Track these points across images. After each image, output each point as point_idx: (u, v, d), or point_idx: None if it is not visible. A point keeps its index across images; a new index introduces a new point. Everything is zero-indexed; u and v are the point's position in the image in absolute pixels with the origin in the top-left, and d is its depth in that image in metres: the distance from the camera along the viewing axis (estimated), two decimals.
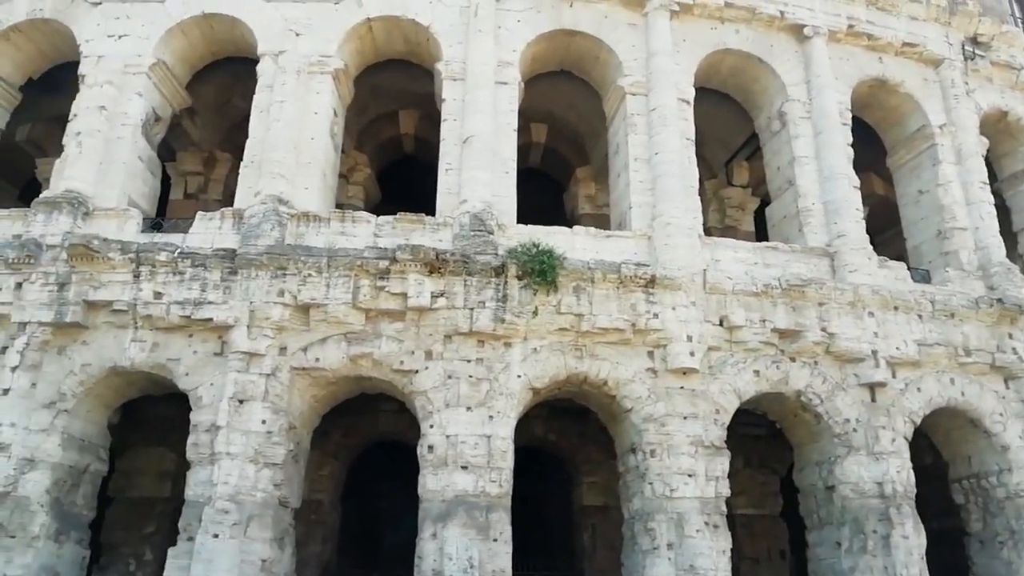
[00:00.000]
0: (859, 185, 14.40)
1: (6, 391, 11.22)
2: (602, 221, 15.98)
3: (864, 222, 14.09)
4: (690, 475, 11.70)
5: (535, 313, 12.16)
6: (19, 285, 11.80)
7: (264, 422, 11.34)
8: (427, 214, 12.85)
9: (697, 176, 13.99)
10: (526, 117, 14.87)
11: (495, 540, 10.99)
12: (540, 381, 12.07)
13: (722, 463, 11.94)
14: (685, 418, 12.02)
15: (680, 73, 14.37)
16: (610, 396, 12.33)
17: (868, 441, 12.53)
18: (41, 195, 12.79)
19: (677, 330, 12.31)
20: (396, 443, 15.79)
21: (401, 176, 18.59)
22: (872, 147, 16.16)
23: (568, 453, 16.17)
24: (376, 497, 18.03)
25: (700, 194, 14.00)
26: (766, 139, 15.57)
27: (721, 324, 12.59)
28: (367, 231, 12.65)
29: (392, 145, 18.21)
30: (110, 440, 12.52)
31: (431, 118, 15.37)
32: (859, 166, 14.66)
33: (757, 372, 12.58)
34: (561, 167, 18.56)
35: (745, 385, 12.50)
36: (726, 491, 11.87)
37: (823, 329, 12.80)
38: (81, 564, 11.68)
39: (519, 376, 12.02)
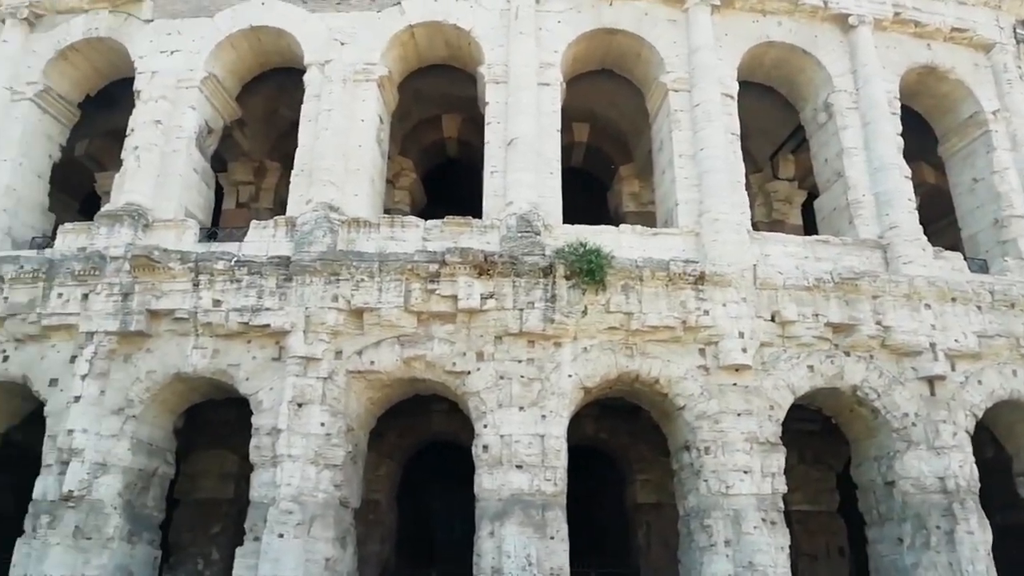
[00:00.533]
0: (910, 175, 14.15)
1: (77, 398, 11.66)
2: (647, 219, 15.97)
3: (916, 212, 13.86)
4: (746, 472, 11.66)
5: (584, 312, 12.23)
6: (85, 296, 12.25)
7: (323, 424, 11.60)
8: (473, 217, 13.00)
9: (743, 171, 13.90)
10: (568, 117, 14.91)
11: (552, 538, 11.10)
12: (591, 380, 12.13)
13: (778, 459, 11.87)
14: (739, 415, 11.97)
15: (723, 67, 14.29)
16: (662, 394, 12.34)
17: (928, 435, 12.33)
18: (103, 208, 13.25)
19: (728, 326, 12.26)
20: (448, 443, 16.00)
21: (445, 179, 18.80)
22: (922, 135, 15.86)
23: (619, 451, 16.20)
24: (428, 496, 18.26)
25: (746, 188, 13.90)
26: (812, 131, 15.39)
27: (773, 320, 12.50)
28: (416, 235, 12.84)
29: (436, 149, 18.43)
30: (176, 444, 12.92)
31: (474, 121, 15.53)
32: (909, 155, 14.40)
33: (811, 367, 12.47)
34: (604, 165, 18.58)
35: (799, 380, 12.39)
36: (783, 487, 11.80)
37: (878, 322, 12.62)
38: (153, 564, 12.08)
39: (570, 376, 12.10)
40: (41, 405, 12.22)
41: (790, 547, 11.61)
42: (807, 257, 13.21)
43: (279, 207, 16.16)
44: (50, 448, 11.65)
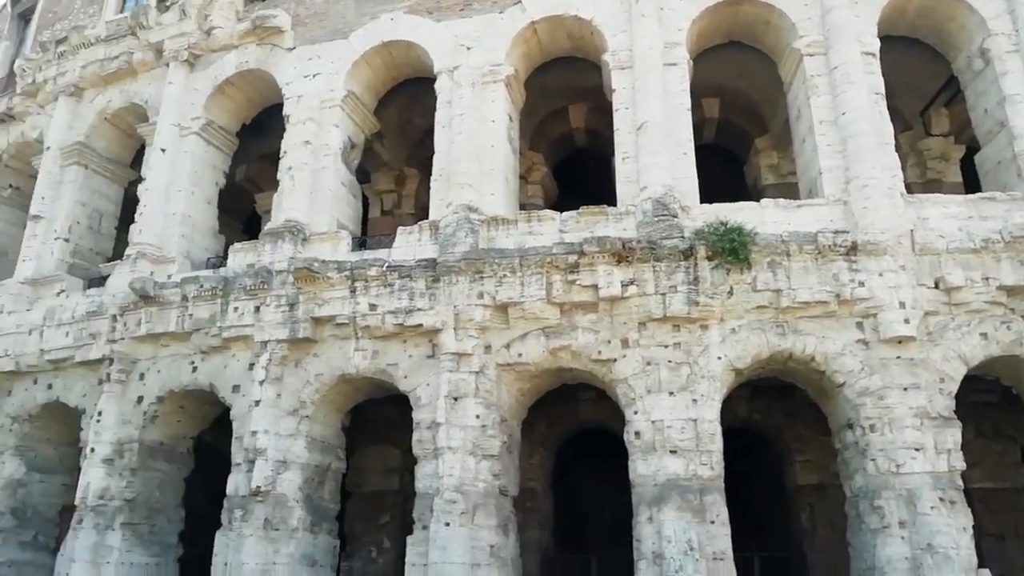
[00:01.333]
0: None
1: (257, 402, 12.76)
2: (788, 191, 15.39)
3: None
4: (917, 449, 11.05)
5: (730, 293, 12.00)
6: (257, 309, 13.37)
7: (478, 417, 12.07)
8: (607, 204, 13.05)
9: (891, 131, 13.10)
10: (697, 93, 14.61)
11: (712, 522, 11.01)
12: (742, 362, 11.90)
13: (952, 434, 11.15)
14: (905, 389, 11.35)
15: (861, 24, 13.51)
16: (819, 372, 11.90)
17: None
18: (266, 227, 14.39)
19: (887, 297, 11.64)
20: (597, 430, 16.17)
21: (575, 170, 18.92)
22: None
23: (775, 432, 15.75)
24: (580, 483, 18.52)
25: (896, 149, 13.10)
26: (968, 81, 14.25)
27: (937, 286, 11.75)
28: (552, 228, 13.05)
29: (564, 141, 18.58)
30: (344, 440, 13.87)
31: (601, 109, 15.54)
32: None
33: (984, 335, 11.61)
34: (738, 140, 18.05)
35: (971, 350, 11.58)
36: (960, 464, 11.08)
37: None
38: (333, 552, 13.06)
39: (719, 358, 11.92)
40: (227, 409, 13.48)
41: (973, 527, 10.90)
42: (971, 217, 12.28)
43: (421, 212, 16.89)
44: (237, 448, 12.82)
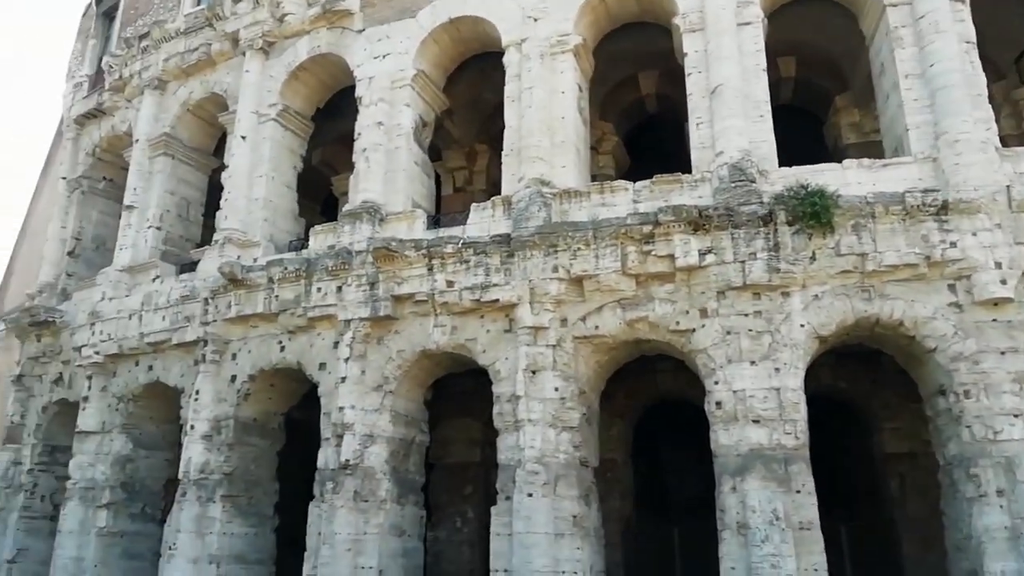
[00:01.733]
0: None
1: (343, 379, 13.20)
2: (871, 149, 14.80)
3: None
4: (1016, 415, 10.59)
5: (812, 258, 11.68)
6: (339, 288, 13.78)
7: (556, 389, 12.18)
8: (681, 172, 12.84)
9: (984, 82, 12.40)
10: (772, 52, 14.12)
11: (798, 492, 10.86)
12: (826, 329, 11.60)
13: None
14: (1003, 353, 10.86)
15: None
16: (907, 337, 11.50)
17: None
18: (344, 208, 14.75)
19: (981, 258, 11.12)
20: (676, 401, 16.08)
21: (647, 138, 18.63)
22: None
23: (861, 399, 15.33)
24: (659, 453, 18.50)
25: (989, 100, 12.40)
26: None
27: None
28: (626, 199, 12.93)
29: (635, 108, 18.30)
30: (427, 414, 14.23)
31: (671, 75, 15.22)
32: None
33: None
34: (816, 98, 17.40)
35: None
36: None
37: None
38: (420, 523, 13.49)
39: (802, 325, 11.65)
40: (314, 386, 14.00)
41: None
42: None
43: (492, 188, 16.99)
44: (326, 424, 13.32)
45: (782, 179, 12.22)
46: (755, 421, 11.29)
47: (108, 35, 21.50)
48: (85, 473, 15.79)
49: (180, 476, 14.44)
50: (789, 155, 12.84)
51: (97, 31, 21.77)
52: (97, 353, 16.27)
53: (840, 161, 12.72)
